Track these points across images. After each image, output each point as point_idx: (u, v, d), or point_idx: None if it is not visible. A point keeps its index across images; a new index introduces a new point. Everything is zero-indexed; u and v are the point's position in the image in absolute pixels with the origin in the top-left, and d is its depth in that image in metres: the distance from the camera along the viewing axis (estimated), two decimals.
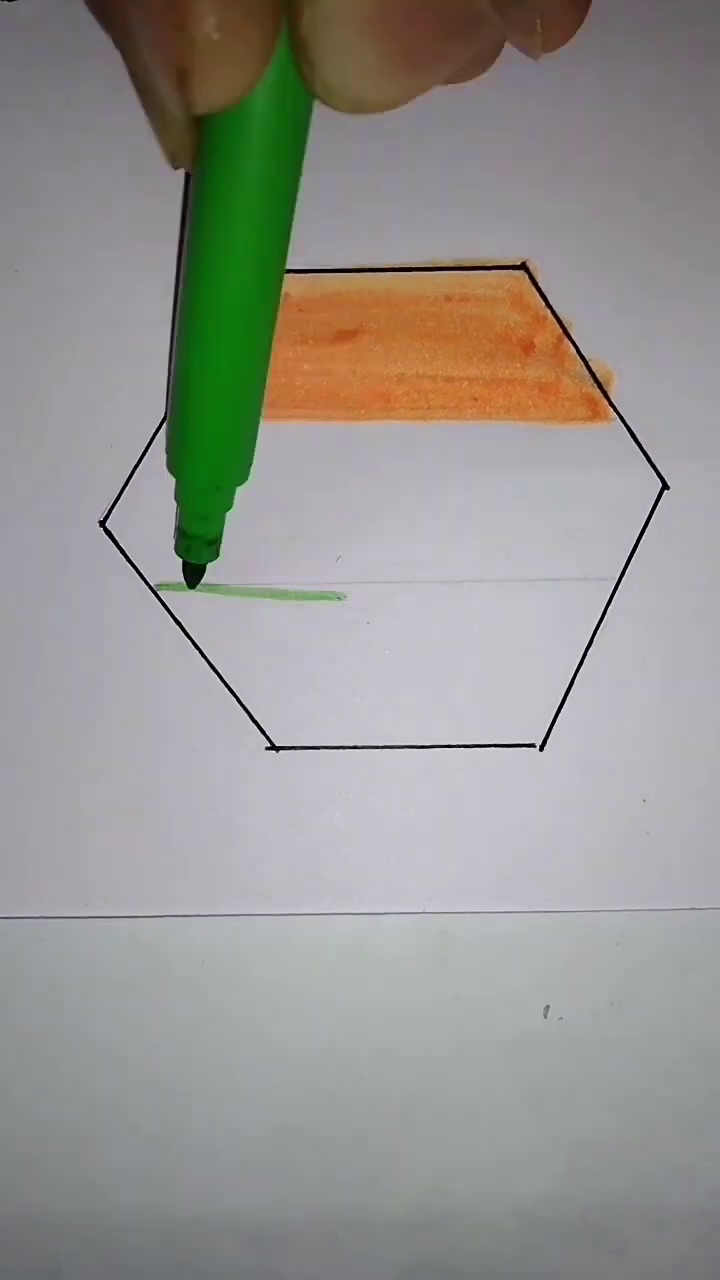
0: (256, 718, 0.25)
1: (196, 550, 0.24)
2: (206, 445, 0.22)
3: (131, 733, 0.25)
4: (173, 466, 0.23)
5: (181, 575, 0.24)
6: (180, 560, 0.24)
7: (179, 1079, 0.25)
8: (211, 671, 0.25)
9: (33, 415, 0.25)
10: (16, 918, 0.24)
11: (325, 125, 0.25)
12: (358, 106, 0.18)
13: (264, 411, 0.22)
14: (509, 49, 0.19)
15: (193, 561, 0.24)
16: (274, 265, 0.20)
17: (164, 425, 0.25)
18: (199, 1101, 0.25)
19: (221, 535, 0.24)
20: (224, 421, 0.22)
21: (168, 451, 0.23)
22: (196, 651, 0.25)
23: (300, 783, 0.25)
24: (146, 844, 0.24)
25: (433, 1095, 0.25)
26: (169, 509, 0.25)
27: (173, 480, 0.24)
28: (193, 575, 0.24)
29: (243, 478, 0.23)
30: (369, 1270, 0.25)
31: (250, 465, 0.23)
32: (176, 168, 0.20)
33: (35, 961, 0.25)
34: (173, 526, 0.25)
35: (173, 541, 0.25)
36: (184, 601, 0.25)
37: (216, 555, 0.24)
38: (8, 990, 0.25)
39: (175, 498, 0.23)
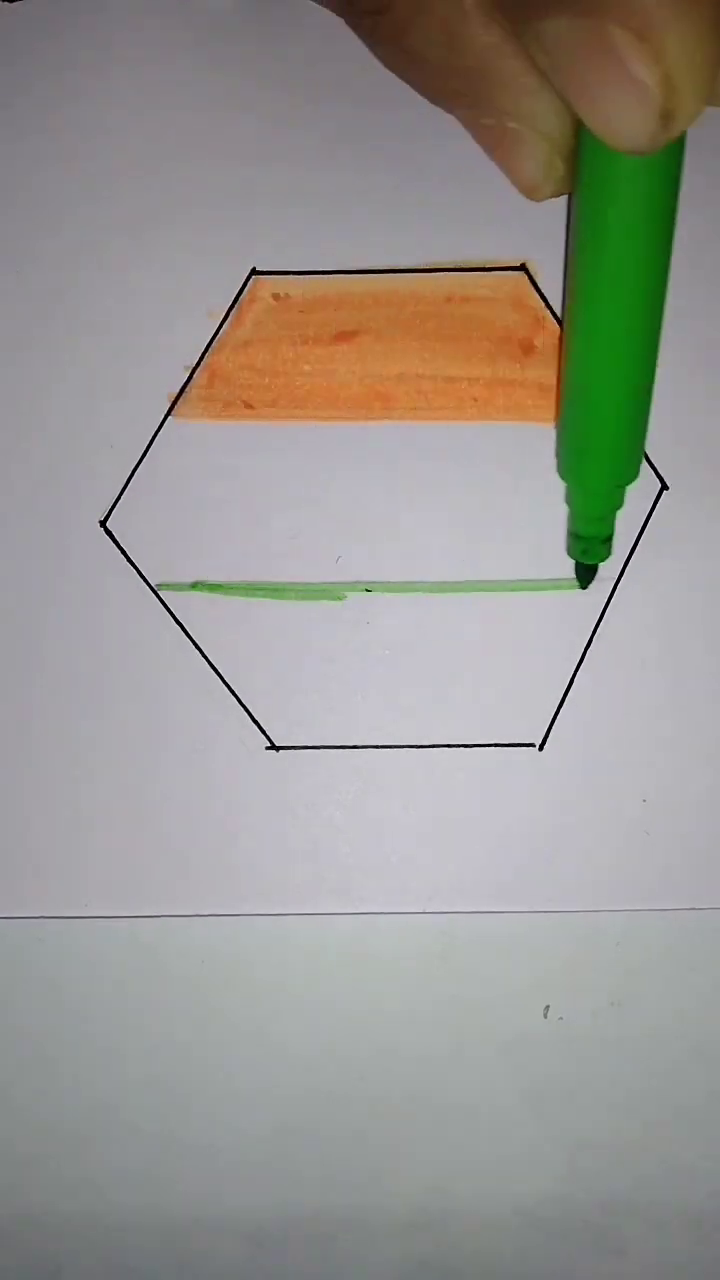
0: (256, 717, 0.25)
1: (594, 551, 0.24)
2: (608, 451, 0.22)
3: (131, 732, 0.25)
4: (569, 473, 0.23)
5: (182, 576, 0.25)
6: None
7: (179, 1079, 0.25)
8: (211, 671, 0.25)
9: (33, 415, 0.25)
10: (16, 918, 0.24)
11: (325, 125, 0.25)
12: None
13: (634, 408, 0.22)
14: None
15: (590, 563, 0.24)
16: (664, 281, 0.20)
17: (146, 430, 0.25)
18: (199, 1101, 0.25)
19: (614, 533, 0.24)
20: (623, 427, 0.22)
21: (561, 459, 0.23)
22: (196, 651, 0.25)
23: (300, 783, 0.25)
24: (146, 844, 0.24)
25: (433, 1095, 0.25)
26: (169, 509, 0.25)
27: (173, 480, 0.24)
28: (587, 576, 0.25)
29: (635, 475, 0.23)
30: (369, 1270, 0.25)
31: (640, 462, 0.23)
32: (538, 198, 0.20)
33: (35, 961, 0.25)
34: (173, 526, 0.25)
35: (172, 541, 0.25)
36: (184, 601, 0.25)
37: (610, 553, 0.24)
38: (8, 990, 0.25)
39: (566, 502, 0.24)
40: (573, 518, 0.24)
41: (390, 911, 0.25)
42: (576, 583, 0.25)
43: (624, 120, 0.17)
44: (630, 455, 0.23)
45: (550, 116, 0.19)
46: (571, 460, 0.23)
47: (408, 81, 0.21)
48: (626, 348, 0.21)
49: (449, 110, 0.20)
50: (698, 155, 0.25)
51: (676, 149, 0.18)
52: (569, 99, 0.17)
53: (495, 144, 0.20)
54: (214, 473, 0.25)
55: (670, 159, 0.18)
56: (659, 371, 0.25)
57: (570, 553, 0.25)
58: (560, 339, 0.22)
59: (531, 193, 0.20)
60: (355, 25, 0.21)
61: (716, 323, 0.25)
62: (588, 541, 0.24)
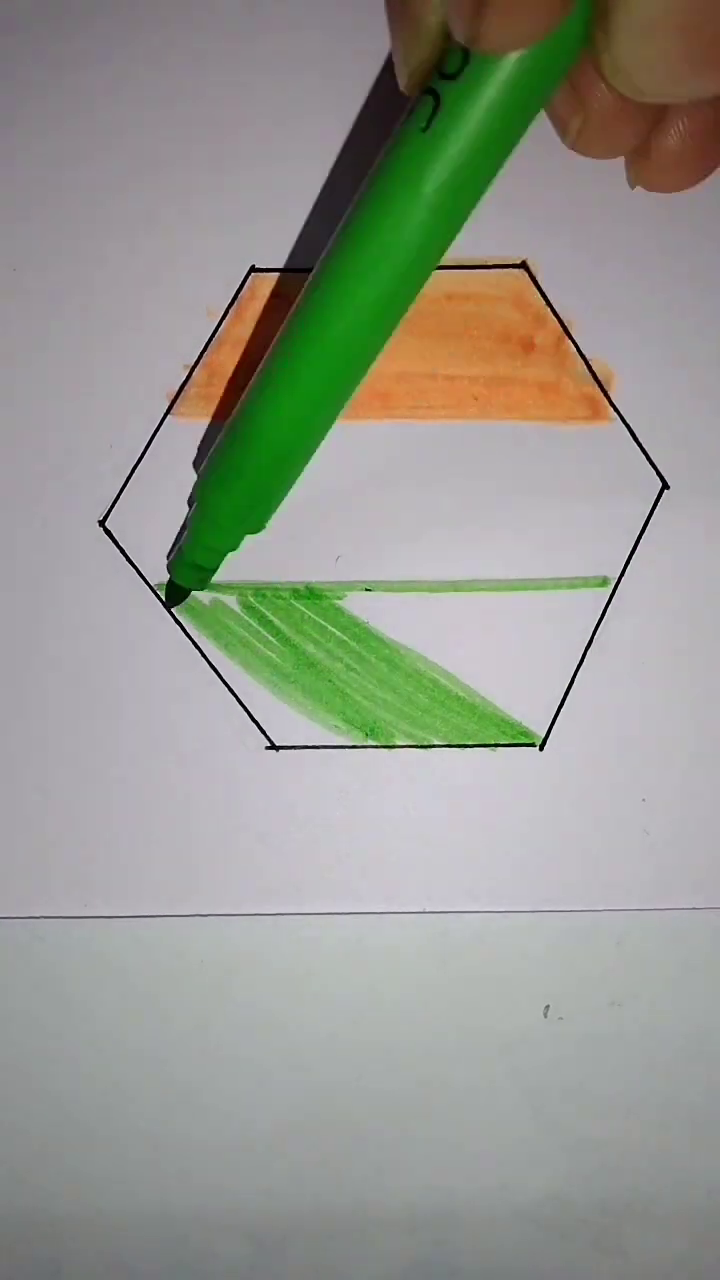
0: (256, 717, 0.25)
1: (193, 576, 0.24)
2: (270, 497, 0.22)
3: (131, 732, 0.25)
4: (205, 495, 0.22)
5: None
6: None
7: (179, 1079, 0.25)
8: (211, 671, 0.25)
9: (32, 414, 0.25)
10: (16, 918, 0.24)
11: (325, 124, 0.25)
12: (639, 91, 0.18)
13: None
14: None
15: (188, 586, 0.24)
16: (402, 307, 0.20)
17: (145, 429, 0.25)
18: (199, 1102, 0.25)
19: (215, 571, 0.24)
20: (277, 472, 0.22)
21: (205, 478, 0.22)
22: (196, 651, 0.25)
23: (300, 782, 0.25)
24: (146, 844, 0.24)
25: (433, 1095, 0.25)
26: (169, 509, 0.25)
27: (172, 480, 0.24)
28: (176, 597, 0.24)
29: (260, 528, 0.23)
30: (369, 1269, 0.25)
31: (269, 519, 0.23)
32: (408, 93, 0.19)
33: (35, 961, 0.25)
34: (173, 526, 0.25)
35: (172, 541, 0.25)
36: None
37: (204, 586, 0.24)
38: (8, 990, 0.25)
39: (186, 523, 0.24)
40: (186, 537, 0.23)
41: (390, 911, 0.25)
42: (575, 583, 0.25)
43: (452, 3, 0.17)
44: (263, 506, 0.22)
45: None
46: (212, 482, 0.22)
47: None
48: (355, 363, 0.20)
49: None
50: None
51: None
52: None
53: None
54: None
55: (490, 79, 0.18)
56: (660, 371, 0.25)
57: (168, 567, 0.24)
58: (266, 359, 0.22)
59: (397, 73, 0.20)
60: None
61: (716, 321, 0.25)
62: (198, 569, 0.24)
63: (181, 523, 0.25)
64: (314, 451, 0.22)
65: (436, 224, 0.19)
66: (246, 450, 0.22)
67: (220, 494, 0.22)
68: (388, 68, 0.25)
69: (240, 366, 0.25)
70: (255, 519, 0.23)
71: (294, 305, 0.21)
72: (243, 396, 0.22)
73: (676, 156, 0.21)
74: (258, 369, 0.21)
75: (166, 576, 0.25)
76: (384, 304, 0.20)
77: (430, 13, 0.18)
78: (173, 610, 0.25)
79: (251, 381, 0.21)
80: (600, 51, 0.18)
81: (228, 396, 0.25)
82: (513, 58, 0.17)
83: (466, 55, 0.18)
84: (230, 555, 0.23)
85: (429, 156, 0.18)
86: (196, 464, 0.25)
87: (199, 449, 0.25)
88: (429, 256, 0.20)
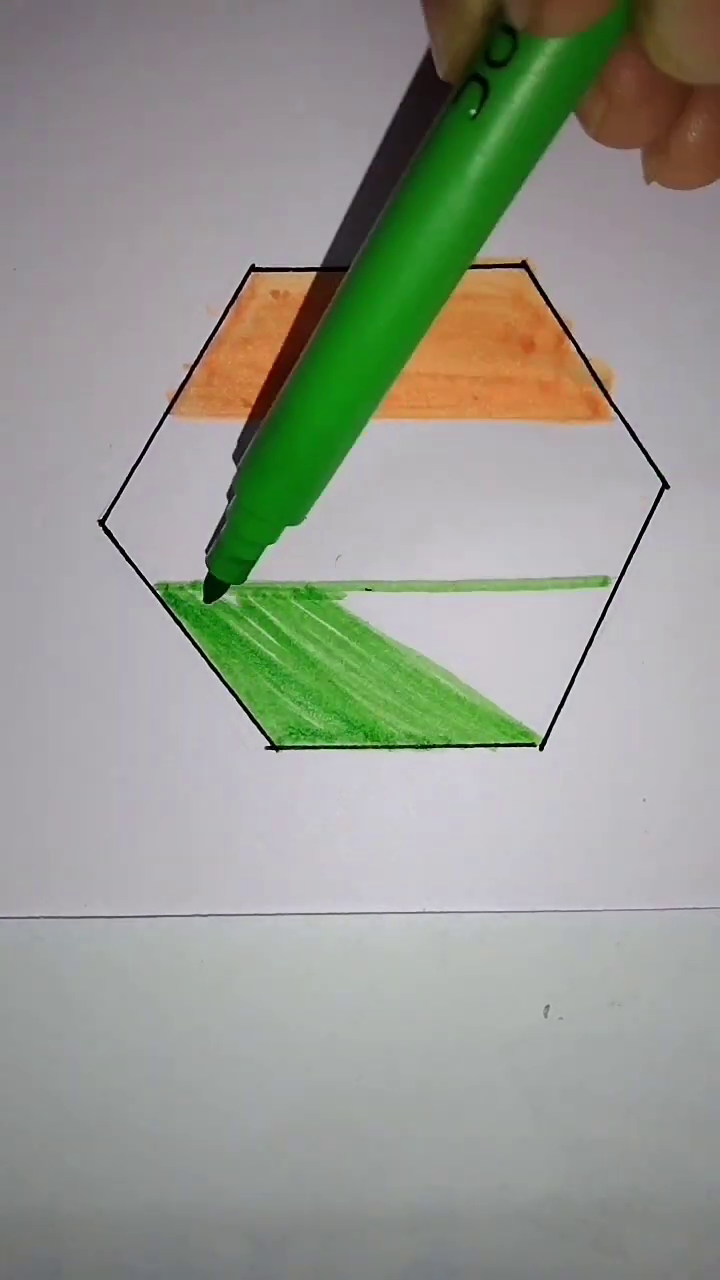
0: (256, 718, 0.25)
1: (225, 569, 0.24)
2: (311, 485, 0.22)
3: (131, 732, 0.25)
4: (246, 488, 0.22)
5: (181, 575, 0.24)
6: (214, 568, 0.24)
7: (178, 1079, 0.25)
8: (211, 671, 0.25)
9: (31, 414, 0.25)
10: (16, 918, 0.24)
11: (325, 124, 0.25)
12: (685, 70, 0.18)
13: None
14: None
15: (220, 580, 0.24)
16: (438, 302, 0.20)
17: (145, 428, 0.25)
18: (198, 1102, 0.25)
19: (253, 565, 0.24)
20: (320, 461, 0.22)
21: (247, 471, 0.22)
22: (196, 651, 0.25)
23: (300, 782, 0.25)
24: (146, 844, 0.24)
25: (433, 1095, 0.25)
26: (168, 508, 0.25)
27: (172, 479, 0.24)
28: (215, 592, 0.24)
29: (300, 519, 0.23)
30: (369, 1269, 0.25)
31: (309, 510, 0.23)
32: (450, 80, 0.19)
33: (35, 961, 0.25)
34: (172, 525, 0.25)
35: (172, 540, 0.25)
36: (183, 601, 0.25)
37: (242, 580, 0.24)
38: (8, 990, 0.25)
39: (224, 519, 0.24)
40: (235, 538, 0.23)
41: (390, 911, 0.25)
42: (576, 583, 0.25)
43: None
44: (304, 497, 0.22)
45: None
46: (252, 476, 0.22)
47: None
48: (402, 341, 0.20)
49: None
50: None
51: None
52: None
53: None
54: (213, 471, 0.25)
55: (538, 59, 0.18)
56: (660, 371, 0.25)
57: (207, 561, 0.24)
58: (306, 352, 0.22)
59: (437, 61, 0.20)
60: None
61: (716, 321, 0.25)
62: (238, 563, 0.24)
63: (219, 519, 0.25)
64: (356, 440, 0.22)
65: (484, 210, 0.19)
66: (290, 440, 0.22)
67: (262, 486, 0.22)
68: (388, 67, 0.25)
69: (240, 365, 0.25)
70: (296, 511, 0.23)
71: (336, 292, 0.21)
72: (285, 386, 0.22)
73: (695, 152, 0.21)
74: (299, 359, 0.21)
75: (165, 576, 0.25)
76: (428, 290, 0.20)
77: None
78: (174, 613, 0.25)
79: (293, 371, 0.21)
80: (645, 33, 0.18)
81: (228, 395, 0.25)
82: (562, 42, 0.18)
83: (515, 41, 0.18)
84: (269, 548, 0.23)
85: (478, 143, 0.19)
86: (197, 465, 0.25)
87: (199, 449, 0.25)
88: (474, 242, 0.20)
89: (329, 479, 0.22)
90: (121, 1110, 0.25)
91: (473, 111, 0.18)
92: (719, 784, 0.25)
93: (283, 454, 0.22)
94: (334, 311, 0.21)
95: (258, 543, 0.23)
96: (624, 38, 0.18)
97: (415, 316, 0.20)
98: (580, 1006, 0.25)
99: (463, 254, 0.20)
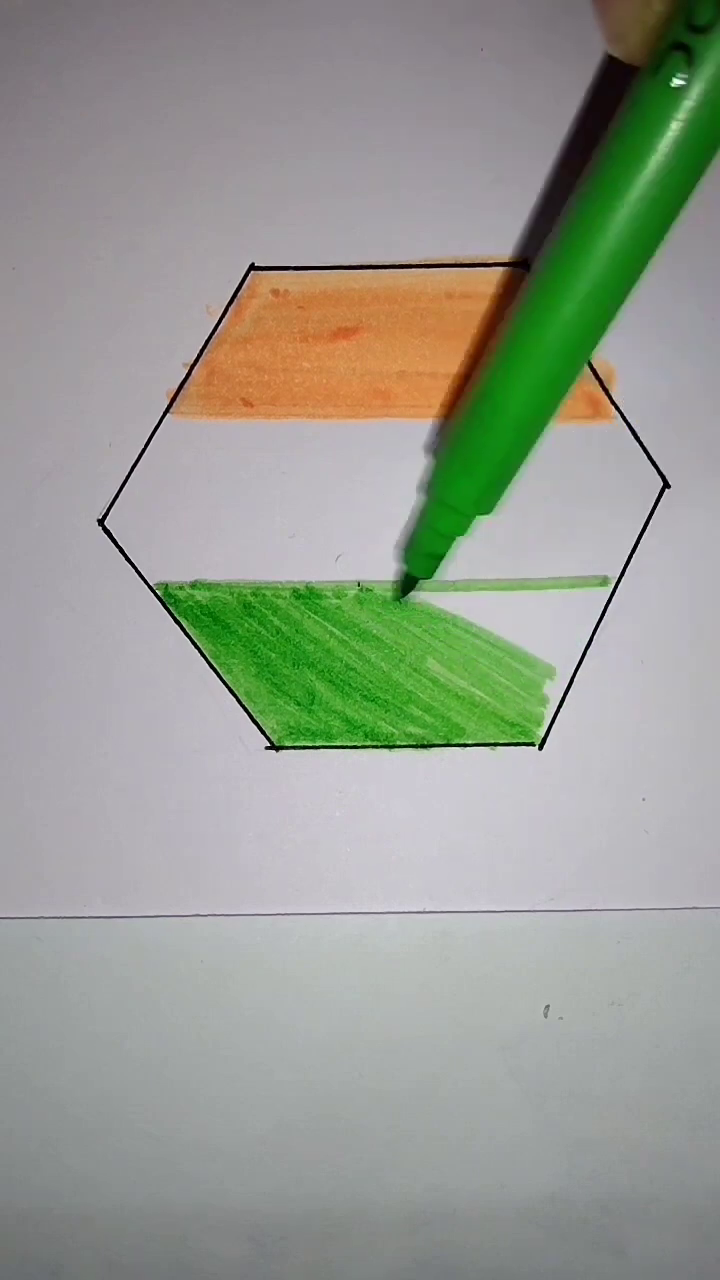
0: (256, 718, 0.25)
1: (419, 564, 0.24)
2: (491, 471, 0.22)
3: (131, 732, 0.25)
4: (445, 481, 0.22)
5: (181, 575, 0.24)
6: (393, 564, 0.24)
7: (178, 1079, 0.25)
8: (211, 671, 0.25)
9: (31, 413, 0.25)
10: (16, 918, 0.24)
11: (324, 121, 0.25)
12: None
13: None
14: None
15: (415, 575, 0.24)
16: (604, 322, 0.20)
17: (145, 428, 0.25)
18: (198, 1101, 0.25)
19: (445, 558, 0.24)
20: (518, 450, 0.22)
21: (444, 465, 0.22)
22: (196, 651, 0.25)
23: (300, 782, 0.25)
24: (146, 844, 0.24)
25: (433, 1095, 0.25)
26: (168, 507, 0.25)
27: (171, 479, 0.24)
28: (409, 587, 0.24)
29: (491, 509, 0.23)
30: (369, 1268, 0.25)
31: (501, 499, 0.23)
32: (636, 58, 0.19)
33: (35, 961, 0.25)
34: (171, 525, 0.25)
35: (171, 540, 0.25)
36: (183, 600, 0.25)
37: (432, 574, 0.24)
38: (8, 990, 0.25)
39: (418, 514, 0.24)
40: (431, 532, 0.23)
41: (390, 911, 0.25)
42: (576, 583, 0.25)
43: None
44: (499, 486, 0.22)
45: None
46: (450, 471, 0.22)
47: None
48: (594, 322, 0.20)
49: None
50: None
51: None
52: None
53: None
54: (213, 471, 0.25)
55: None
56: (661, 371, 0.25)
57: (410, 562, 0.24)
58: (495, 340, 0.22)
59: (615, 40, 0.20)
60: None
61: (716, 321, 0.25)
62: (432, 557, 0.24)
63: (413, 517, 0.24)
64: (551, 423, 0.22)
65: (689, 176, 0.19)
66: (492, 431, 0.21)
67: (463, 478, 0.22)
68: (388, 66, 0.25)
69: (240, 365, 0.25)
70: (490, 501, 0.23)
71: (528, 279, 0.21)
72: (480, 376, 0.21)
73: None
74: (493, 348, 0.21)
75: (165, 576, 0.25)
76: (630, 258, 0.20)
77: None
78: (173, 613, 0.25)
79: (488, 360, 0.21)
80: None
81: (227, 395, 0.25)
82: None
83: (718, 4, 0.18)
84: (459, 539, 0.23)
85: (682, 109, 0.19)
86: (196, 464, 0.25)
87: (199, 448, 0.25)
88: (675, 212, 0.20)
89: (523, 466, 0.22)
90: (121, 1110, 0.25)
91: (677, 80, 0.18)
92: (719, 784, 0.25)
93: (484, 445, 0.22)
94: (531, 293, 0.20)
95: (451, 535, 0.23)
96: None
97: (620, 280, 0.20)
98: (580, 1006, 0.25)
99: (663, 225, 0.20)
